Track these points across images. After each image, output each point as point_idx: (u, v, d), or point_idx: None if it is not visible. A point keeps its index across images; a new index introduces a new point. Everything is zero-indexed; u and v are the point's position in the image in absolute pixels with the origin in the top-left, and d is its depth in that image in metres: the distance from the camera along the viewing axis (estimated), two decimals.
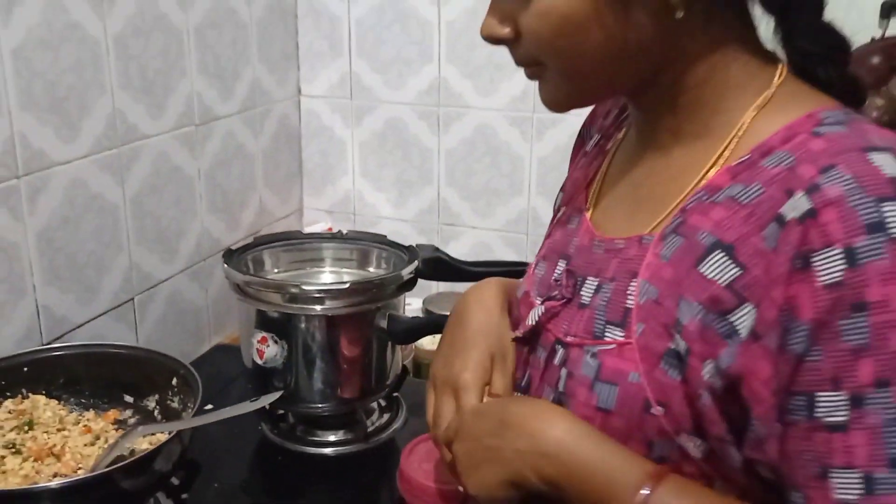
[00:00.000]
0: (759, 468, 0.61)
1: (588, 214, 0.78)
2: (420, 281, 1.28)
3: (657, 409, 0.63)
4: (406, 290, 1.26)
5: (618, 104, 0.85)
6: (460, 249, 1.76)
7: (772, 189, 0.60)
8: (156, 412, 1.18)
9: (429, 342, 1.54)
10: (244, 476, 1.26)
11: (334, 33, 1.75)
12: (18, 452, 1.07)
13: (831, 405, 0.55)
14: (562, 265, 0.78)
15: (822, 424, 0.56)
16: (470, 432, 0.72)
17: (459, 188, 1.76)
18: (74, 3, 1.20)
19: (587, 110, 0.90)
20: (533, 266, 0.84)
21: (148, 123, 1.37)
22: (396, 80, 1.74)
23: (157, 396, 1.19)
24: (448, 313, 0.89)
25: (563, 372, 0.71)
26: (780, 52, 0.69)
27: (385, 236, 1.38)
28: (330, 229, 1.71)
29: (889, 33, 1.45)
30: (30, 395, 1.16)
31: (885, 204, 0.54)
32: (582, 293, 0.73)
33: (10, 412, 1.13)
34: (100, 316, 1.33)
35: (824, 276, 0.54)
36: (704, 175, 0.66)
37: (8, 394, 1.15)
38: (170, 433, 1.04)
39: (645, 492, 0.61)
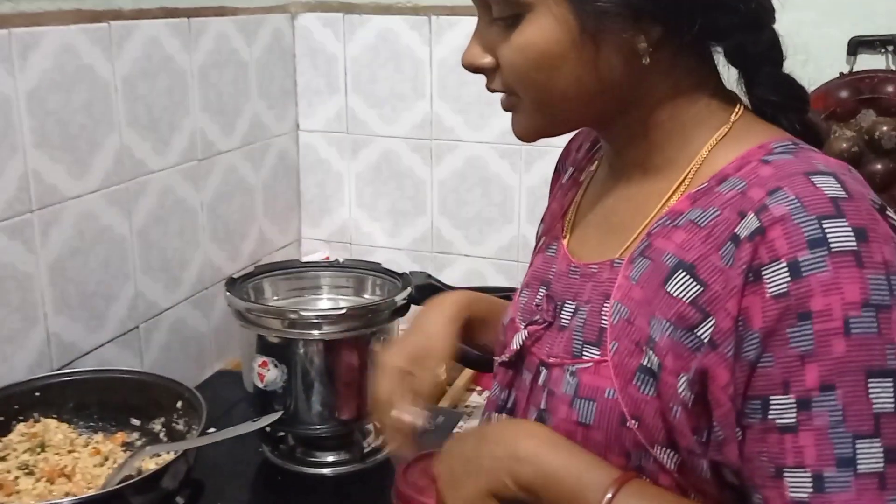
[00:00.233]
0: (724, 472, 0.66)
1: (565, 242, 0.83)
2: (413, 306, 1.34)
3: (632, 423, 0.67)
4: (400, 315, 1.32)
5: (590, 138, 0.91)
6: (454, 276, 1.82)
7: (726, 212, 0.64)
8: (161, 434, 1.24)
9: None
10: (246, 495, 1.31)
11: (331, 71, 1.83)
12: (31, 473, 1.12)
13: (782, 408, 0.59)
14: (542, 291, 0.82)
15: (774, 426, 0.60)
16: (451, 452, 0.76)
17: (452, 217, 1.83)
18: (86, 47, 1.27)
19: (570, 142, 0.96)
20: (518, 293, 0.88)
21: (154, 159, 1.44)
22: (390, 115, 1.81)
23: (162, 419, 1.24)
24: None
25: (545, 392, 0.74)
26: (740, 93, 0.75)
27: (380, 264, 1.44)
28: (327, 258, 1.77)
29: (856, 69, 1.53)
30: (42, 418, 1.21)
31: (826, 221, 0.59)
32: (561, 316, 0.77)
33: (23, 435, 1.19)
34: (107, 343, 1.39)
35: (772, 287, 0.59)
36: (667, 202, 0.71)
37: (21, 417, 1.20)
38: (176, 453, 1.10)
39: (608, 496, 0.65)
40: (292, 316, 1.25)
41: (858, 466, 0.57)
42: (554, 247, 0.84)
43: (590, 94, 0.70)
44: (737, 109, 0.73)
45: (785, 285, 0.59)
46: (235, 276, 1.39)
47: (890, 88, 1.51)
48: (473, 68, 0.74)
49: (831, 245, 0.58)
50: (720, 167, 0.69)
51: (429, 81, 1.76)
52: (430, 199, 1.83)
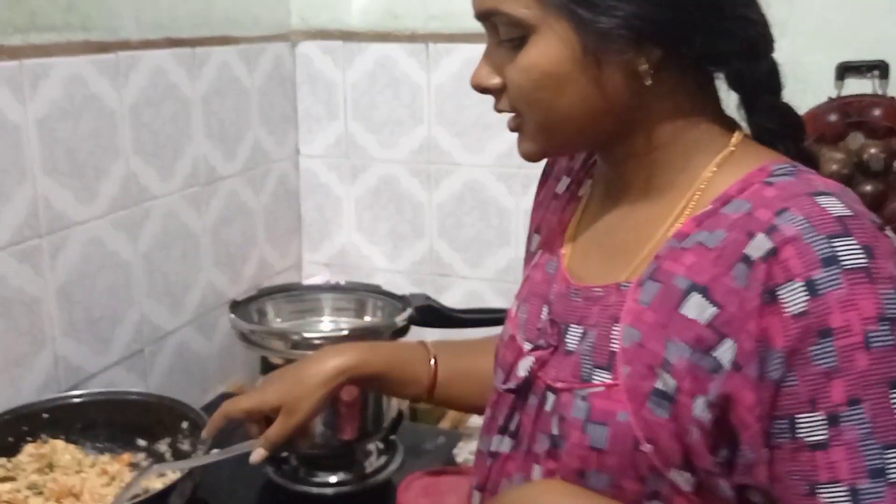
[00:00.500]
0: (750, 494, 0.66)
1: (564, 261, 0.83)
2: (413, 328, 1.37)
3: (646, 447, 0.67)
4: (400, 336, 1.35)
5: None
6: (453, 298, 1.84)
7: (734, 233, 0.65)
8: (167, 455, 1.26)
9: None
10: None
11: (330, 98, 1.87)
12: (41, 493, 1.14)
13: (811, 425, 0.60)
14: (545, 311, 0.81)
15: (804, 444, 0.61)
16: None
17: (450, 240, 1.86)
18: (94, 76, 1.30)
19: None
20: (514, 308, 0.87)
21: (158, 185, 1.47)
22: (389, 139, 1.85)
23: (168, 440, 1.26)
24: None
25: (556, 417, 0.74)
26: (739, 118, 0.77)
27: (380, 286, 1.47)
28: (328, 281, 1.80)
29: (844, 93, 1.57)
30: (50, 439, 1.24)
31: (836, 240, 0.61)
32: (567, 340, 0.76)
33: (31, 455, 1.21)
34: (113, 365, 1.41)
35: (790, 306, 0.60)
36: (672, 225, 0.72)
37: (29, 438, 1.23)
38: (182, 471, 1.12)
39: None
40: (295, 337, 1.27)
41: (889, 476, 0.59)
42: (553, 263, 0.84)
43: (593, 115, 0.72)
44: (736, 134, 0.74)
45: (804, 304, 0.60)
46: (239, 298, 1.41)
47: (877, 112, 1.55)
48: (481, 89, 0.76)
49: (843, 263, 0.60)
50: (723, 190, 0.70)
51: (426, 107, 1.80)
52: (429, 222, 1.87)
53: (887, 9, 1.53)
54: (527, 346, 0.81)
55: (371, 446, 1.43)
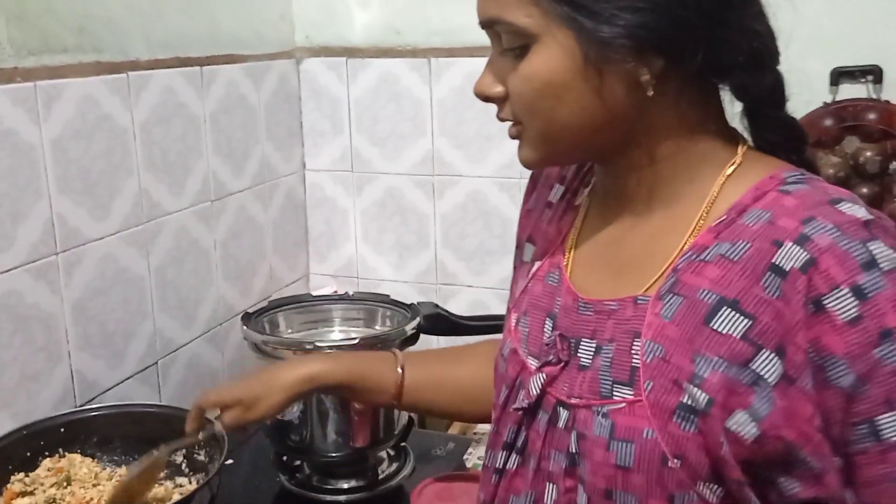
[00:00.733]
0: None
1: (567, 273, 0.81)
2: (422, 336, 1.39)
3: (674, 462, 0.66)
4: (410, 344, 1.37)
5: None
6: (458, 307, 1.87)
7: (757, 243, 0.66)
8: (183, 466, 1.28)
9: None
10: None
11: (335, 113, 1.90)
12: None
13: (893, 425, 0.61)
14: (549, 324, 0.80)
15: (891, 444, 0.61)
16: None
17: (455, 250, 1.89)
18: (105, 97, 1.34)
19: None
20: (513, 321, 0.86)
21: (169, 201, 1.50)
22: (393, 153, 1.88)
23: (184, 451, 1.28)
24: None
25: (574, 434, 0.72)
26: (742, 129, 0.77)
27: (388, 296, 1.50)
28: (335, 292, 1.82)
29: (839, 98, 1.60)
30: (67, 453, 1.26)
31: (869, 244, 0.62)
32: (580, 355, 0.75)
33: (49, 470, 1.23)
34: (127, 379, 1.44)
35: (841, 314, 0.61)
36: (688, 237, 0.71)
37: (46, 453, 1.24)
38: (199, 482, 1.14)
39: None
40: (307, 347, 1.30)
41: None
42: (555, 275, 0.83)
43: (594, 126, 0.72)
44: (742, 145, 0.74)
45: (855, 310, 0.61)
46: (250, 310, 1.44)
47: (872, 116, 1.58)
48: (484, 97, 0.76)
49: (881, 265, 0.61)
50: (735, 199, 0.70)
51: (429, 120, 1.83)
52: (434, 232, 1.89)
53: (880, 15, 1.56)
54: (531, 361, 0.80)
55: (382, 453, 1.46)
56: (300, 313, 1.48)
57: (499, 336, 1.04)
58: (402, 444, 1.47)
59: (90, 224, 1.33)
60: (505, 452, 0.81)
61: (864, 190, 1.58)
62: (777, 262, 0.64)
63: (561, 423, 0.74)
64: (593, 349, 0.74)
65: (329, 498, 1.38)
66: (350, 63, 1.86)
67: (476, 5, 0.74)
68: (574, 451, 0.72)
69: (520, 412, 0.79)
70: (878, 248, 0.62)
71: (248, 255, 1.76)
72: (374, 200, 1.93)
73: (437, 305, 1.41)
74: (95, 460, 1.27)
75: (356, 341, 1.31)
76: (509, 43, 0.72)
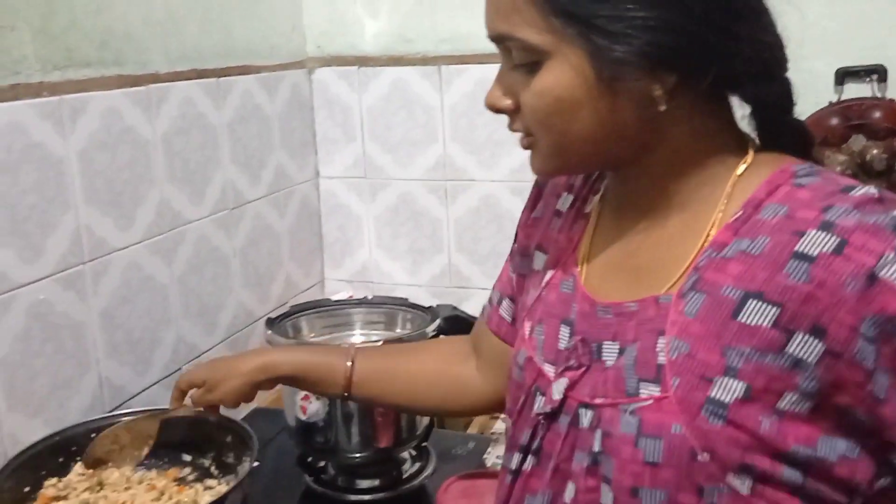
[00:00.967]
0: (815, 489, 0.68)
1: (581, 280, 0.82)
2: (441, 337, 1.42)
3: (703, 456, 0.67)
4: None
5: None
6: (473, 310, 1.87)
7: (777, 236, 0.67)
8: (212, 468, 1.30)
9: None
10: None
11: (347, 121, 1.93)
12: None
13: None
14: (566, 331, 0.80)
15: None
16: None
17: (468, 254, 1.92)
18: (128, 109, 1.37)
19: None
20: (528, 330, 0.86)
21: (190, 210, 1.53)
22: (406, 159, 1.91)
23: (212, 454, 1.30)
24: None
25: (598, 433, 0.73)
26: (751, 130, 0.78)
27: (407, 299, 1.53)
28: (351, 297, 1.85)
29: (844, 97, 1.63)
30: None
31: (891, 209, 0.64)
32: (604, 358, 0.75)
33: (81, 475, 1.26)
34: (153, 385, 1.47)
35: None
36: (706, 236, 0.72)
37: (78, 458, 1.27)
38: (228, 483, 1.17)
39: None
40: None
41: None
42: (569, 283, 0.83)
43: (607, 139, 0.73)
44: (752, 145, 0.76)
45: None
46: (273, 315, 1.47)
47: (877, 114, 1.61)
48: (495, 109, 0.77)
49: None
50: (749, 194, 0.71)
51: (441, 126, 1.86)
52: (447, 237, 1.92)
53: (882, 16, 1.60)
54: (547, 368, 0.81)
55: (405, 453, 1.48)
56: (321, 317, 1.51)
57: (460, 336, 1.13)
58: (424, 444, 1.49)
59: (115, 234, 1.36)
60: (520, 455, 0.82)
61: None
62: (801, 250, 0.65)
63: (584, 424, 0.75)
64: (616, 351, 0.75)
65: (354, 497, 1.41)
66: (361, 72, 1.90)
67: (485, 19, 0.75)
68: (598, 449, 0.73)
69: (539, 416, 0.80)
70: None
71: (265, 261, 1.79)
72: (387, 206, 1.96)
73: (455, 307, 1.44)
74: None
75: (380, 343, 1.34)
76: (520, 59, 0.72)
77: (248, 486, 1.19)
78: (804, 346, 0.65)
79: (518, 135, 0.78)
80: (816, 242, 0.65)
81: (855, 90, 1.63)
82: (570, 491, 0.76)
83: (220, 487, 1.25)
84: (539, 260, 0.90)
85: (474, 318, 1.49)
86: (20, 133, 1.17)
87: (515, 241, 0.99)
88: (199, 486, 1.28)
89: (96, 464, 1.22)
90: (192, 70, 1.52)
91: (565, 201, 0.90)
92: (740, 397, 0.67)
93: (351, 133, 1.94)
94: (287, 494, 1.43)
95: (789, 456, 0.67)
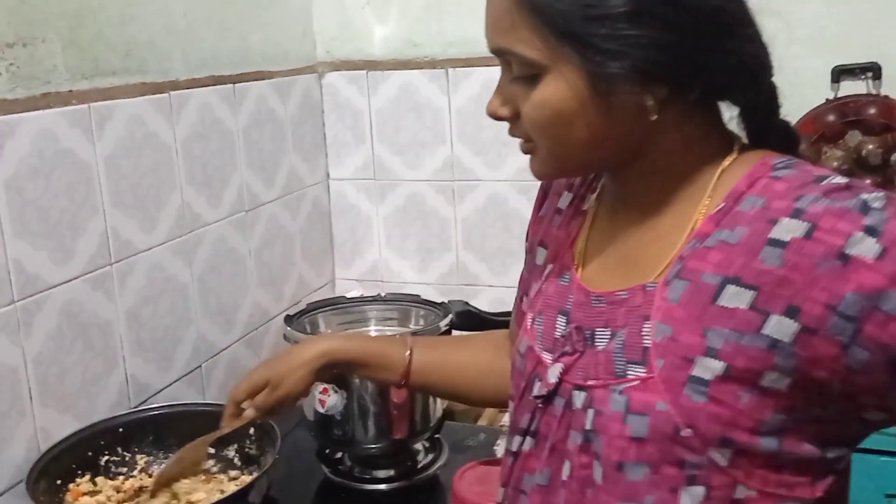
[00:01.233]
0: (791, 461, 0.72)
1: (578, 273, 0.86)
2: (454, 332, 1.47)
3: (686, 431, 0.71)
4: None
5: None
6: (480, 306, 1.94)
7: (754, 225, 0.71)
8: (236, 459, 1.36)
9: None
10: None
11: (357, 124, 1.99)
12: None
13: None
14: (562, 320, 0.85)
15: None
16: None
17: (476, 252, 1.97)
18: (151, 115, 1.42)
19: None
20: (529, 321, 0.91)
21: (209, 212, 1.58)
22: (414, 160, 1.96)
23: (236, 446, 1.36)
24: None
25: (590, 413, 0.77)
26: (739, 129, 0.83)
27: (419, 296, 1.58)
28: (361, 296, 1.90)
29: (840, 94, 1.68)
30: (125, 452, 1.34)
31: (858, 195, 0.68)
32: (597, 343, 0.80)
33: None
34: (175, 382, 1.52)
35: (868, 253, 0.65)
36: (692, 227, 0.77)
37: (107, 452, 1.33)
38: (251, 475, 1.22)
39: None
40: None
41: None
42: (567, 276, 0.87)
43: (601, 146, 0.77)
44: (737, 144, 0.80)
45: (877, 245, 0.66)
46: (290, 313, 1.52)
47: (872, 110, 1.66)
48: (496, 117, 0.81)
49: (874, 205, 0.67)
50: (731, 187, 0.76)
51: (448, 128, 1.91)
52: (455, 235, 1.98)
53: (877, 15, 1.65)
54: (545, 356, 0.85)
55: (419, 445, 1.53)
56: (337, 314, 1.56)
57: (504, 330, 1.15)
58: (437, 435, 1.55)
59: (140, 236, 1.41)
60: (520, 437, 0.87)
61: (868, 181, 1.66)
62: (774, 237, 0.69)
63: (578, 405, 0.79)
64: (608, 336, 0.79)
65: (370, 487, 1.46)
66: (370, 76, 1.95)
67: (485, 32, 0.79)
68: (589, 428, 0.77)
69: (537, 400, 0.84)
70: (866, 196, 0.68)
71: (279, 262, 1.84)
72: (396, 206, 2.01)
73: (466, 303, 1.50)
74: (151, 457, 1.35)
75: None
76: (519, 71, 0.76)
77: (271, 476, 1.24)
78: (780, 327, 0.69)
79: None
80: (788, 229, 0.69)
81: (851, 87, 1.68)
82: (566, 469, 0.81)
83: (245, 478, 1.30)
84: (541, 255, 0.96)
85: (486, 312, 1.55)
86: (52, 140, 1.23)
87: (527, 239, 1.04)
88: (223, 476, 1.33)
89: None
90: (209, 76, 1.57)
91: (565, 199, 0.95)
92: (720, 375, 0.71)
93: (361, 135, 1.99)
94: (306, 485, 1.48)
95: (766, 425, 0.72)
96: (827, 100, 1.68)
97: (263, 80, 1.75)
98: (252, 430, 1.34)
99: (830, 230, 0.67)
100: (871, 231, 0.66)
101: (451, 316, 1.46)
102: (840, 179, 0.71)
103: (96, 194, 1.31)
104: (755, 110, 0.79)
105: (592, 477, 0.78)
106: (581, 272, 0.87)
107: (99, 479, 1.29)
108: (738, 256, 0.71)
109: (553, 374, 0.82)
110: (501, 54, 0.78)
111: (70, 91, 1.26)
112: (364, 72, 1.95)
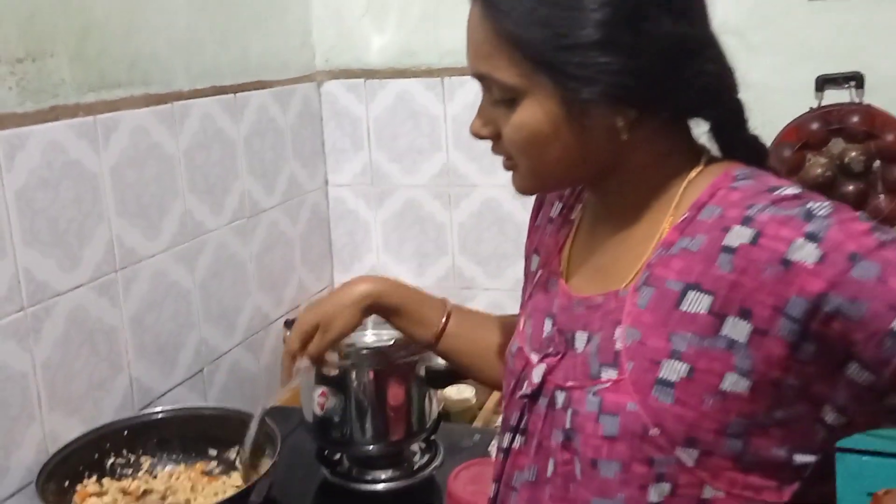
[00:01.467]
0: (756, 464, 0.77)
1: (563, 278, 0.92)
2: None
3: (654, 431, 0.75)
4: None
5: None
6: (477, 308, 1.99)
7: (711, 233, 0.76)
8: (237, 461, 1.40)
9: (454, 392, 1.78)
10: None
11: (355, 131, 2.03)
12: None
13: None
14: (548, 323, 0.90)
15: None
16: None
17: (472, 255, 2.02)
18: (154, 126, 1.46)
19: None
20: (521, 323, 0.96)
21: (210, 219, 1.62)
22: (411, 166, 2.01)
23: (237, 448, 1.40)
24: None
25: (569, 412, 0.82)
26: (709, 141, 0.87)
27: None
28: None
29: (824, 103, 1.72)
30: (130, 454, 1.38)
31: (804, 203, 0.73)
32: (576, 345, 0.85)
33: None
34: (177, 385, 1.56)
35: (808, 258, 0.69)
36: (659, 236, 0.81)
37: (113, 454, 1.37)
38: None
39: None
40: (347, 349, 1.42)
41: None
42: (554, 281, 0.93)
43: (577, 164, 0.82)
44: (705, 156, 0.85)
45: (816, 250, 0.69)
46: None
47: (855, 119, 1.71)
48: (479, 137, 0.87)
49: (818, 213, 0.71)
50: (695, 197, 0.80)
51: (444, 135, 1.96)
52: (451, 240, 2.02)
53: (859, 26, 1.69)
54: (533, 356, 0.90)
55: (415, 446, 1.57)
56: None
57: None
58: (433, 437, 1.59)
59: (144, 243, 1.45)
60: (510, 434, 0.91)
61: (851, 188, 1.71)
62: (726, 243, 0.74)
63: (559, 405, 0.84)
64: (586, 339, 0.84)
65: (368, 488, 1.50)
66: (368, 84, 1.99)
67: (466, 57, 0.83)
68: (569, 427, 0.82)
69: (524, 399, 0.89)
70: (812, 204, 0.73)
71: (279, 267, 1.88)
72: (394, 212, 2.05)
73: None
74: (155, 459, 1.39)
75: (391, 342, 1.43)
76: (499, 95, 0.81)
77: (272, 477, 1.28)
78: (735, 328, 0.74)
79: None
80: (738, 235, 0.74)
81: (834, 96, 1.73)
82: (551, 465, 0.85)
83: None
84: (535, 262, 1.02)
85: None
86: (60, 151, 1.27)
87: (525, 248, 1.10)
88: (225, 477, 1.37)
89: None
90: (211, 87, 1.62)
91: (556, 209, 1.01)
92: (685, 377, 0.75)
93: (359, 143, 2.03)
94: (306, 486, 1.52)
95: (731, 427, 0.76)
96: (811, 108, 1.73)
97: (264, 89, 1.79)
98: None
99: (774, 236, 0.72)
100: (811, 237, 0.70)
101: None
102: (793, 190, 0.76)
103: (102, 203, 1.36)
104: (722, 125, 0.84)
105: (574, 473, 0.82)
106: (566, 278, 0.92)
107: (105, 481, 1.33)
108: (697, 263, 0.76)
109: (537, 374, 0.87)
110: (482, 78, 0.83)
111: (77, 104, 1.31)
112: (362, 80, 1.99)
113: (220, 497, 1.29)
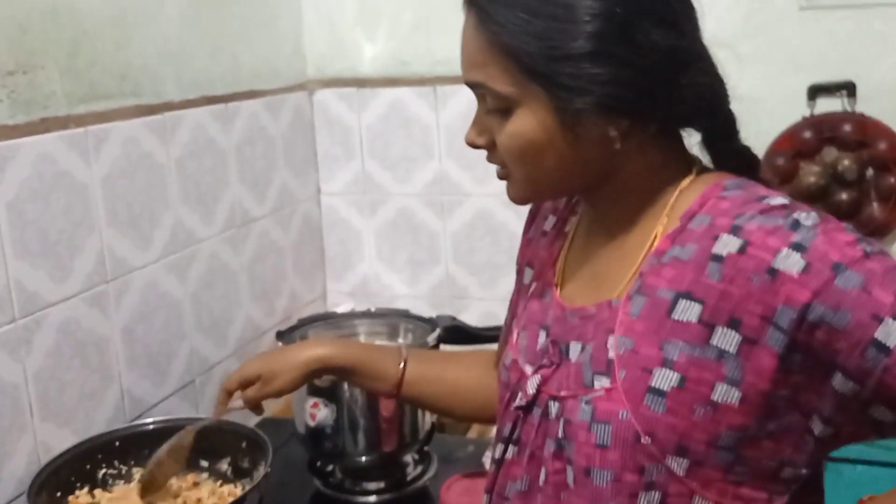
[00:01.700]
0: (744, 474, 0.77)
1: (557, 290, 0.93)
2: (441, 346, 1.51)
3: (646, 439, 0.77)
4: None
5: None
6: (470, 319, 1.96)
7: (701, 242, 0.77)
8: (228, 472, 1.39)
9: None
10: None
11: (347, 140, 2.03)
12: None
13: (892, 331, 0.69)
14: (542, 335, 0.91)
15: None
16: None
17: (465, 265, 2.01)
18: (145, 136, 1.46)
19: None
20: (515, 336, 0.97)
21: (202, 229, 1.62)
22: (404, 175, 2.00)
23: (228, 459, 1.39)
24: None
25: (562, 421, 0.83)
26: (700, 152, 0.88)
27: (408, 311, 1.62)
28: (353, 310, 1.94)
29: (816, 112, 1.73)
30: (122, 465, 1.37)
31: (792, 214, 0.74)
32: (570, 356, 0.86)
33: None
34: (169, 396, 1.55)
35: (793, 268, 0.71)
36: (650, 245, 0.83)
37: (104, 465, 1.36)
38: (244, 488, 1.26)
39: None
40: None
41: None
42: (548, 293, 0.94)
43: (571, 173, 0.84)
44: (696, 166, 0.86)
45: (801, 260, 0.71)
46: (282, 328, 1.56)
47: (847, 127, 1.71)
48: (473, 146, 0.89)
49: (805, 223, 0.73)
50: (686, 207, 0.82)
51: (437, 143, 1.96)
52: (444, 249, 2.02)
53: (850, 35, 1.70)
54: (527, 368, 0.91)
55: (408, 457, 1.57)
56: (328, 329, 1.59)
57: (494, 348, 1.18)
58: (426, 448, 1.58)
59: (135, 254, 1.45)
60: (503, 445, 0.92)
61: (843, 196, 1.71)
62: (715, 252, 0.75)
63: (552, 414, 0.85)
64: (580, 349, 0.85)
65: (361, 499, 1.49)
66: (360, 93, 1.99)
67: (461, 66, 0.85)
68: (561, 436, 0.83)
69: (518, 410, 0.90)
70: (798, 215, 0.74)
71: (270, 276, 1.88)
72: (386, 221, 2.05)
73: (454, 318, 1.54)
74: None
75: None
76: (493, 105, 0.82)
77: (263, 489, 1.27)
78: (725, 338, 0.75)
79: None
80: (726, 245, 0.75)
81: (826, 105, 1.73)
82: (542, 475, 0.86)
83: (237, 491, 1.34)
84: (528, 275, 1.02)
85: (473, 328, 1.59)
86: (50, 163, 1.26)
87: (517, 261, 1.10)
88: (220, 488, 1.36)
89: (151, 490, 1.28)
90: (202, 97, 1.61)
91: (550, 222, 1.01)
92: (676, 386, 0.76)
93: (351, 151, 2.03)
94: (298, 497, 1.52)
95: (722, 440, 0.76)
96: (804, 117, 1.73)
97: (255, 98, 1.79)
98: (244, 444, 1.38)
99: (761, 246, 0.73)
100: (797, 247, 0.72)
101: (438, 331, 1.49)
102: (781, 200, 0.77)
103: (93, 214, 1.35)
104: (714, 136, 0.85)
105: (566, 481, 0.83)
106: (560, 289, 0.93)
107: (97, 492, 1.32)
108: (688, 272, 0.77)
109: (532, 385, 0.88)
110: (476, 87, 0.84)
111: (68, 115, 1.30)
112: (354, 89, 1.99)
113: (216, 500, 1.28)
